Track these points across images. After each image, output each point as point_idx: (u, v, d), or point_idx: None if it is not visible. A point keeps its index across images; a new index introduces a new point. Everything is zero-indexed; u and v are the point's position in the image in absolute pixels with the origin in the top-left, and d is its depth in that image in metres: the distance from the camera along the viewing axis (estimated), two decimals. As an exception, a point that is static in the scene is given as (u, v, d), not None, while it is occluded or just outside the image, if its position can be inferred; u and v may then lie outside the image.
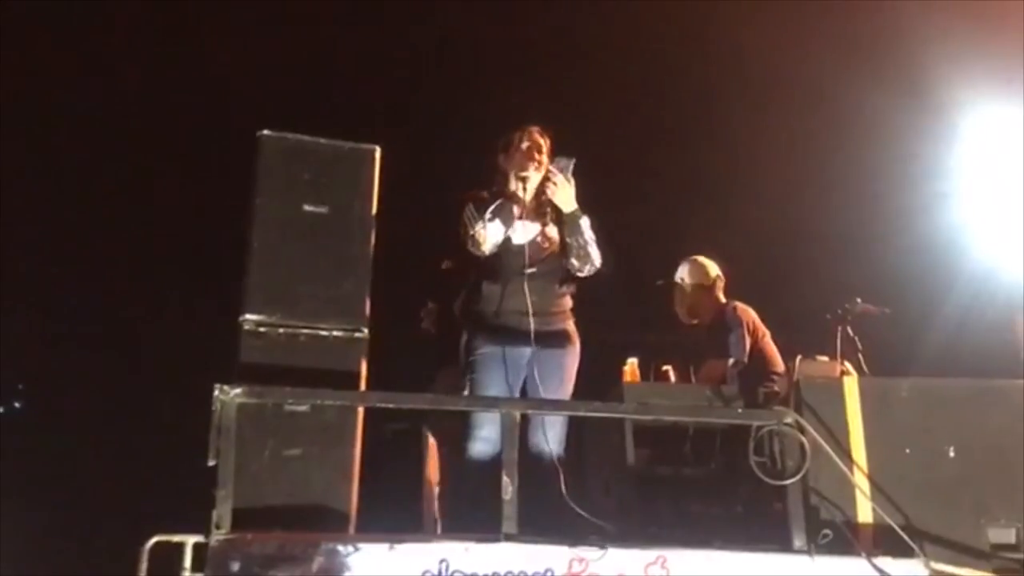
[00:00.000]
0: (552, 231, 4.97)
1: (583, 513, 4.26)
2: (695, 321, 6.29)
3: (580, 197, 4.93)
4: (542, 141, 5.05)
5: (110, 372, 9.73)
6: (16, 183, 9.08)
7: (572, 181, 4.85)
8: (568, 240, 4.93)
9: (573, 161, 4.87)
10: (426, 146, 8.67)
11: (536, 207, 5.02)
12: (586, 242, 4.91)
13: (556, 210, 4.95)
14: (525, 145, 5.03)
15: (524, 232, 4.93)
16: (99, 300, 9.96)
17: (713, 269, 6.34)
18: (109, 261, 9.82)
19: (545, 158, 5.01)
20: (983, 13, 7.40)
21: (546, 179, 4.87)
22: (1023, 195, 6.81)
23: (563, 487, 4.39)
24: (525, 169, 4.98)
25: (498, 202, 4.89)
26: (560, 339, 4.95)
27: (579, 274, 5.01)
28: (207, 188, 8.69)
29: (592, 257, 4.95)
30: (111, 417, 9.58)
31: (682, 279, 6.34)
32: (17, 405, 10.87)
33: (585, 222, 4.91)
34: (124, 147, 9.49)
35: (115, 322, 9.96)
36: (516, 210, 4.91)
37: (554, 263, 4.98)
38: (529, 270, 4.85)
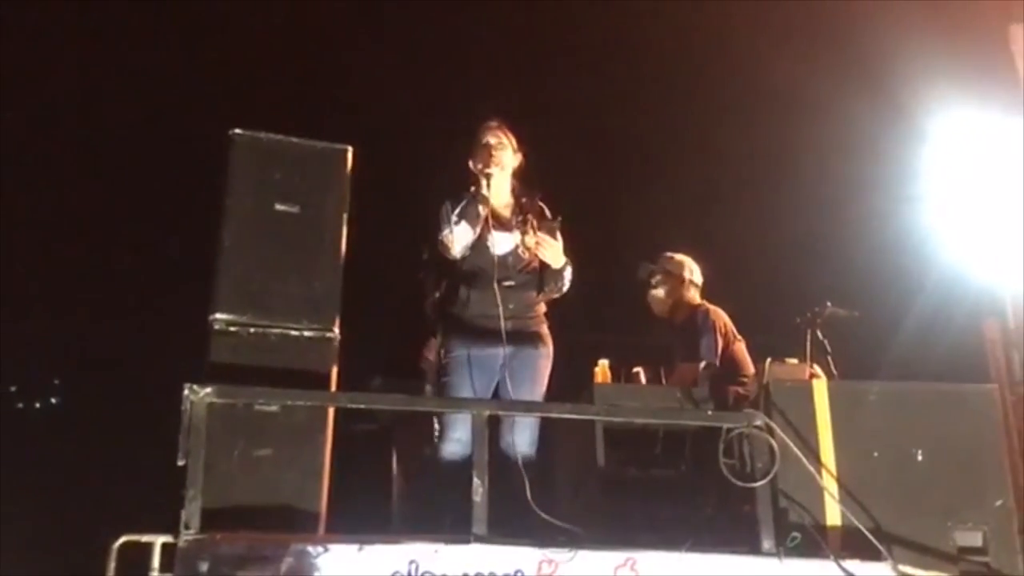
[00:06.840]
0: (531, 242, 4.94)
1: (549, 519, 4.24)
2: (670, 316, 6.19)
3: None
4: (500, 135, 5.03)
5: (79, 371, 9.66)
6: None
7: (559, 239, 4.87)
8: (547, 283, 4.96)
9: (559, 220, 4.92)
10: (399, 146, 8.66)
11: (513, 216, 5.00)
12: (563, 286, 4.97)
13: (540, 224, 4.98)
14: (484, 142, 5.01)
15: (501, 243, 4.91)
16: (76, 298, 9.91)
17: (687, 268, 6.25)
18: (85, 258, 9.78)
19: (507, 154, 5.00)
20: (950, 16, 7.44)
21: (537, 243, 4.87)
22: (993, 199, 6.84)
23: (528, 493, 4.36)
24: (487, 166, 4.95)
25: (463, 203, 4.88)
26: (533, 342, 4.94)
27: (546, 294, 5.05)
28: (177, 187, 8.65)
29: (563, 291, 5.00)
30: (79, 417, 9.52)
31: (661, 271, 6.22)
32: (53, 401, 10.77)
33: (568, 271, 4.95)
34: (104, 147, 9.45)
35: (87, 322, 9.89)
36: (482, 210, 4.88)
37: (530, 275, 4.98)
38: (506, 283, 4.85)
